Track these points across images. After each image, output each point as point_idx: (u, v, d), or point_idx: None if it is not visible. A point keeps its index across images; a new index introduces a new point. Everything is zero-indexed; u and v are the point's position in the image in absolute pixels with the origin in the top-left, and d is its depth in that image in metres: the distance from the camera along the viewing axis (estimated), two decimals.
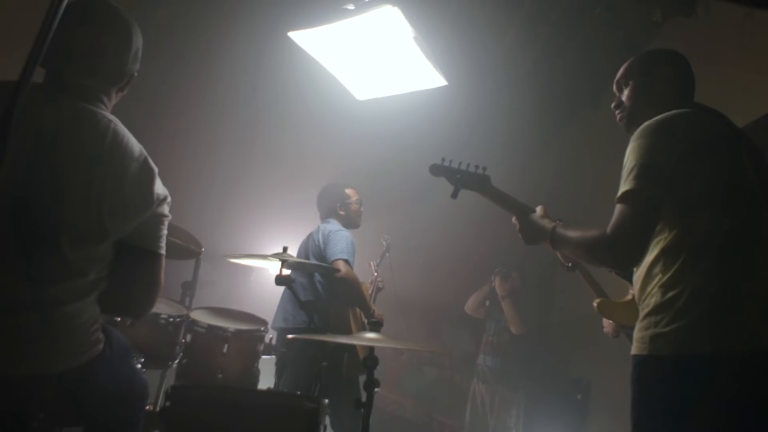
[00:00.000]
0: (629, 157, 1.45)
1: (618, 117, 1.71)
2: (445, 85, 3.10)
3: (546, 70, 4.35)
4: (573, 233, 1.59)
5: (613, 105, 1.73)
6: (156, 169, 1.49)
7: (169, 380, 2.53)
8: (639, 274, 1.51)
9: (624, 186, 1.42)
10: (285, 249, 2.41)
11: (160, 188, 1.50)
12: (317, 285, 2.99)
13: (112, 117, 1.47)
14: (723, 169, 1.43)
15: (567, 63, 4.26)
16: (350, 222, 3.26)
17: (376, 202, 3.45)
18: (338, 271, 2.84)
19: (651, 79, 1.65)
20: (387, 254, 3.88)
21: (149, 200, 1.46)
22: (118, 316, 2.17)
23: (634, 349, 1.45)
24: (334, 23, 2.62)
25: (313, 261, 2.99)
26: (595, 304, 2.13)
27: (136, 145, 1.46)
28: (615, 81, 1.74)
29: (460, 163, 1.99)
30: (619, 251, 1.42)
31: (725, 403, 1.29)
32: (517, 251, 4.30)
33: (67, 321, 1.34)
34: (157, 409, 2.28)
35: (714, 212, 1.40)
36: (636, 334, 1.47)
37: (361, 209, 3.37)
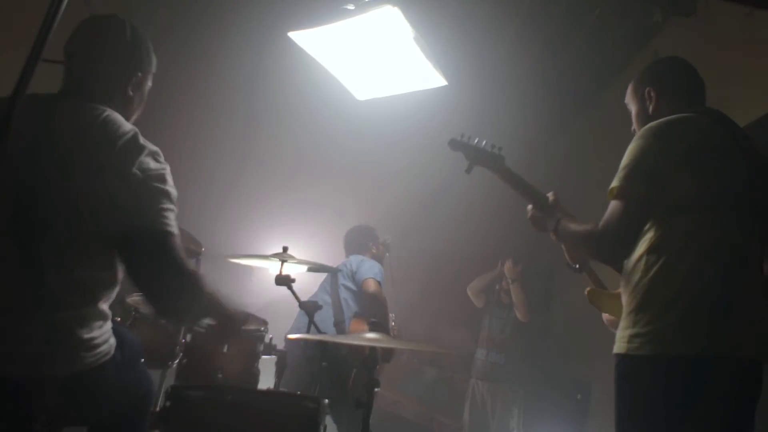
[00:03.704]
0: (625, 156, 1.51)
1: None
2: (446, 85, 3.10)
3: (547, 69, 4.35)
4: (572, 225, 1.67)
5: (632, 130, 1.81)
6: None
7: (169, 380, 2.52)
8: (624, 272, 1.55)
9: (613, 182, 1.49)
10: (285, 249, 2.40)
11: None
12: (342, 303, 3.08)
13: (118, 116, 1.44)
14: (714, 174, 1.46)
15: (568, 62, 4.27)
16: (378, 261, 3.40)
17: (376, 202, 3.46)
18: (368, 287, 3.01)
19: (643, 103, 1.74)
20: (387, 254, 3.87)
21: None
22: (166, 317, 2.11)
23: (615, 348, 1.49)
24: (334, 23, 2.62)
25: (347, 283, 3.13)
26: (586, 292, 2.15)
27: (142, 146, 1.42)
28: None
29: (477, 140, 2.07)
30: (603, 245, 1.50)
31: (698, 405, 1.32)
32: (520, 252, 4.30)
33: (72, 324, 1.33)
34: (157, 409, 2.28)
35: (699, 216, 1.43)
36: (618, 332, 1.51)
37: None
